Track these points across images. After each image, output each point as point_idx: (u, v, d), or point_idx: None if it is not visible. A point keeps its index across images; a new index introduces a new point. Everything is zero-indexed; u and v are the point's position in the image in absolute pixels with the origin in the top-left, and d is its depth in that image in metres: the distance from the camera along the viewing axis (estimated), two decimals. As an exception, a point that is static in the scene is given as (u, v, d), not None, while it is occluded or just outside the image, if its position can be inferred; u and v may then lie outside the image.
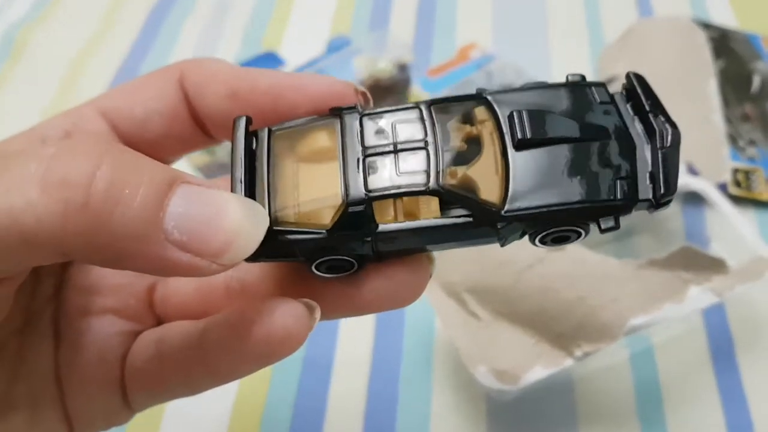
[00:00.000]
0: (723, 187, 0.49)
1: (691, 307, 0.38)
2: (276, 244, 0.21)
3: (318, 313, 0.22)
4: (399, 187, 0.21)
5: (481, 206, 0.21)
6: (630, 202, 0.21)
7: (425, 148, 0.22)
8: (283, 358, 0.22)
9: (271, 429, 0.40)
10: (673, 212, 0.48)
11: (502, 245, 0.23)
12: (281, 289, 0.24)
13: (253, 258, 0.21)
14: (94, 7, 0.69)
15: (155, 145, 0.25)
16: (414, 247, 0.23)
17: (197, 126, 0.25)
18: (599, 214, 0.21)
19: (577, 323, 0.37)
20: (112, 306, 0.25)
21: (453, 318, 0.39)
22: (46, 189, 0.17)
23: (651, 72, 0.56)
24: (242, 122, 0.23)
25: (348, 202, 0.21)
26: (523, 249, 0.39)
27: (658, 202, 0.22)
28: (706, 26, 0.61)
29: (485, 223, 0.22)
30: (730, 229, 0.43)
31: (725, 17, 0.65)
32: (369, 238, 0.22)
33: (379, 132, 0.23)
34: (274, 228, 0.21)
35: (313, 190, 0.22)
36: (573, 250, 0.39)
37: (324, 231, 0.21)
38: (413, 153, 0.22)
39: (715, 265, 0.38)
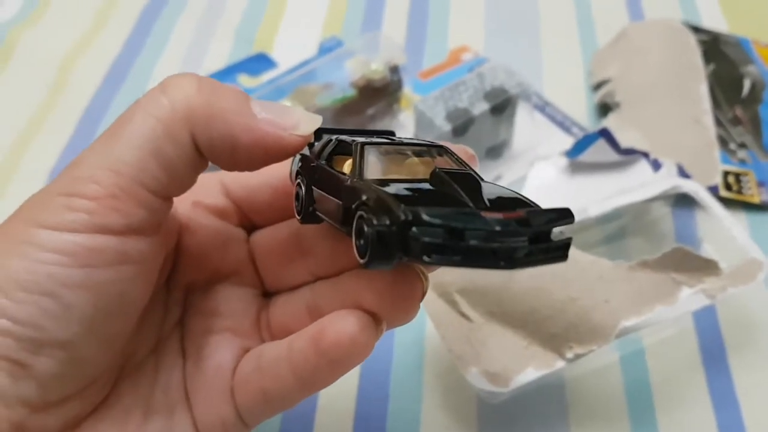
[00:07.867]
0: (714, 190, 0.49)
1: (682, 309, 0.38)
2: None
3: (384, 326, 0.26)
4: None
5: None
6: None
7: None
8: (355, 364, 0.26)
9: (262, 428, 0.39)
10: (663, 214, 0.48)
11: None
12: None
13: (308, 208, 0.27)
14: (85, 7, 0.68)
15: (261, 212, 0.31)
16: None
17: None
18: None
19: (569, 324, 0.37)
20: (230, 326, 0.30)
21: (444, 319, 0.39)
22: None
23: (642, 74, 0.57)
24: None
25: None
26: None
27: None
28: (697, 30, 0.62)
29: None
30: (721, 232, 0.43)
31: (716, 21, 0.65)
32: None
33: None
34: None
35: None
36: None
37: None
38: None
39: (708, 267, 0.38)
